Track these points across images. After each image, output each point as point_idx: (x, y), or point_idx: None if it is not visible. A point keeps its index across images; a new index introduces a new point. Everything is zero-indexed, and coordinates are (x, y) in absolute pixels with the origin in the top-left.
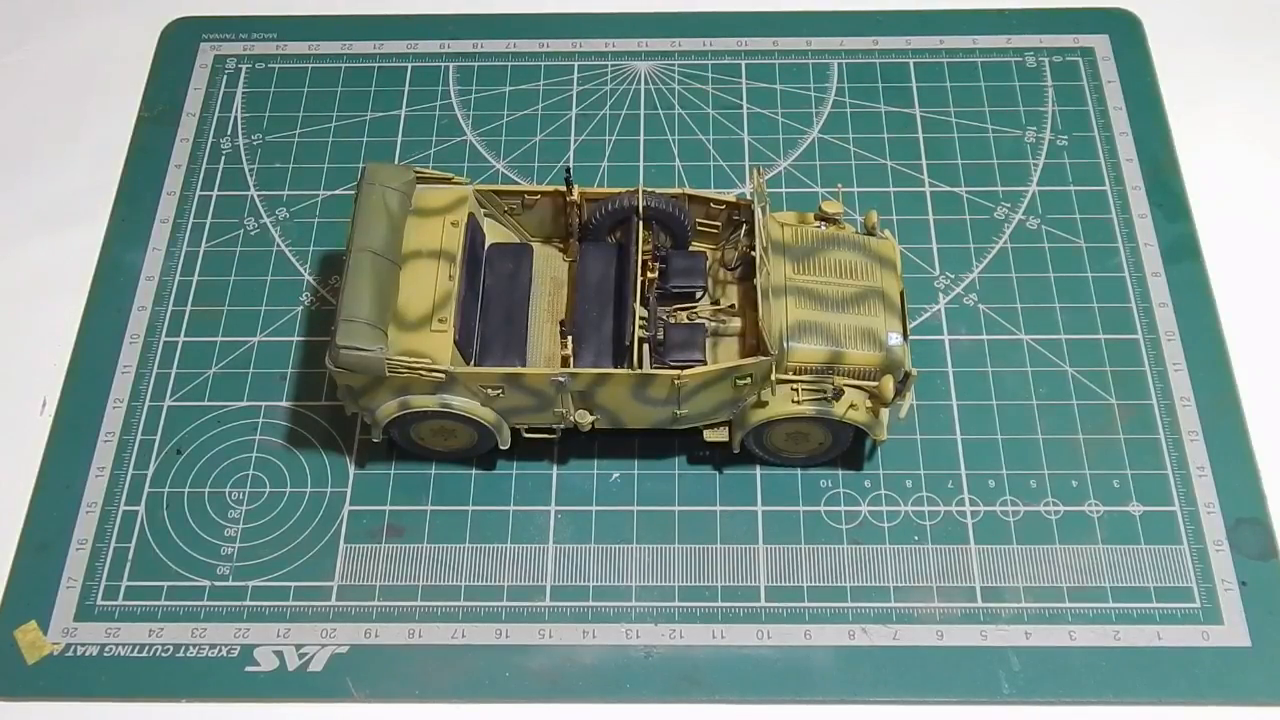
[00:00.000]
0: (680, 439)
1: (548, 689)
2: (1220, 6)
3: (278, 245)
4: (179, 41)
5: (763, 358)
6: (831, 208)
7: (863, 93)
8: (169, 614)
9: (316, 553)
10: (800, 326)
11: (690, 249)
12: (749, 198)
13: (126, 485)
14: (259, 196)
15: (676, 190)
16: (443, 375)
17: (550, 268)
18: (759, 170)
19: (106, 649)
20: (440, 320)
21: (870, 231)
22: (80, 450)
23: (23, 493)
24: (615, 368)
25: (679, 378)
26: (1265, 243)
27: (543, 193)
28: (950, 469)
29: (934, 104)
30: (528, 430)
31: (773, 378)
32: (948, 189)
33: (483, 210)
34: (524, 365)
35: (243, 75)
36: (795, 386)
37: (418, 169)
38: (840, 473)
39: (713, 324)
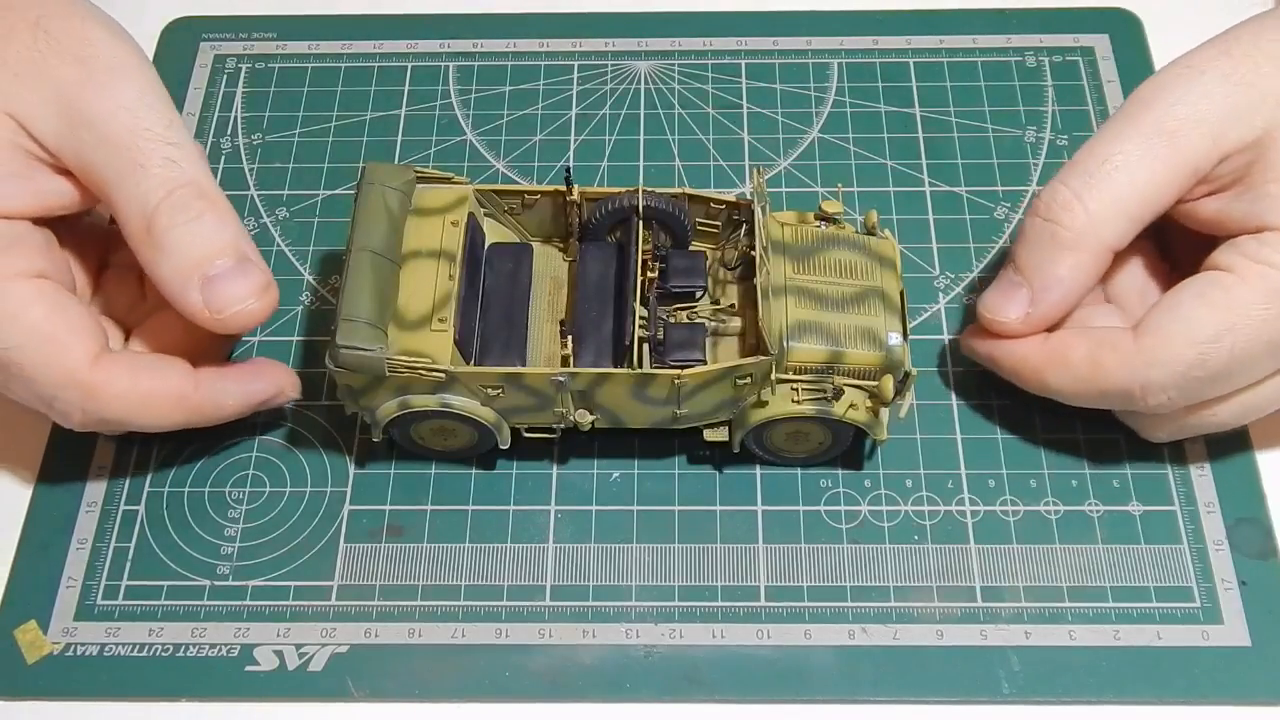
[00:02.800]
0: (680, 439)
1: (548, 688)
2: (1220, 6)
3: (278, 245)
4: (179, 41)
5: (763, 357)
6: (831, 207)
7: (863, 92)
8: (169, 613)
9: (316, 552)
10: (800, 326)
11: (690, 249)
12: (749, 197)
13: (126, 485)
14: (259, 196)
15: (676, 190)
16: (443, 375)
17: (550, 267)
18: (759, 170)
19: (106, 649)
20: (440, 320)
21: (870, 231)
22: (80, 450)
23: (23, 493)
24: (615, 367)
25: (679, 377)
26: None
27: (543, 192)
28: (950, 469)
29: (934, 104)
30: (528, 430)
31: (773, 377)
32: (948, 189)
33: (483, 210)
34: (524, 365)
35: (243, 75)
36: (795, 386)
37: (418, 169)
38: (840, 473)
39: (713, 324)
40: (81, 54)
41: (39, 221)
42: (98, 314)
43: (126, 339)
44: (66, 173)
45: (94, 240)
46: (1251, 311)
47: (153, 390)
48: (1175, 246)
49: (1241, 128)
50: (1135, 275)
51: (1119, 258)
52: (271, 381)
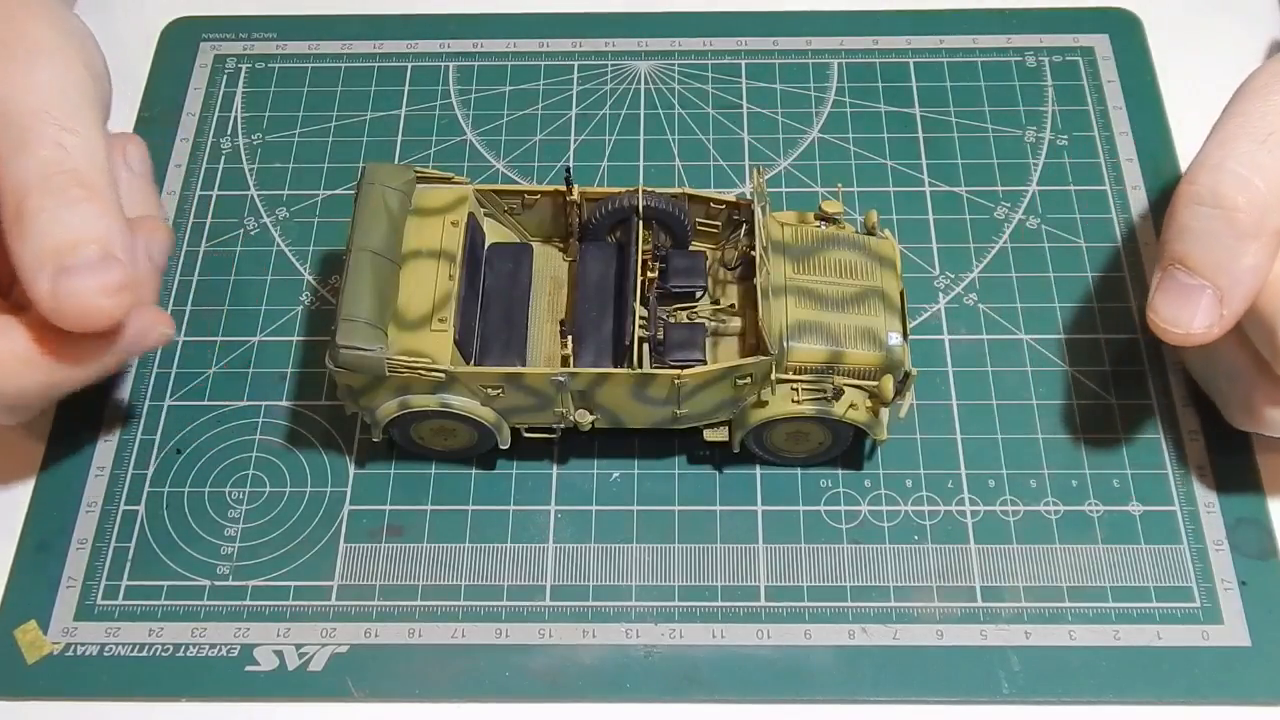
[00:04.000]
0: (680, 439)
1: (548, 688)
2: (1220, 6)
3: (278, 245)
4: (179, 41)
5: (763, 357)
6: (831, 207)
7: (863, 93)
8: (169, 613)
9: (316, 552)
10: (800, 326)
11: (690, 249)
12: (749, 197)
13: (126, 485)
14: (259, 196)
15: (676, 190)
16: (443, 375)
17: (550, 267)
18: (759, 170)
19: (106, 649)
20: (440, 320)
21: (870, 231)
22: (80, 450)
23: (23, 493)
24: (615, 367)
25: (679, 377)
26: None
27: (543, 192)
28: (950, 469)
29: (934, 104)
30: (528, 430)
31: (773, 377)
32: (948, 189)
33: (483, 210)
34: (524, 365)
35: (242, 75)
36: (795, 386)
37: (418, 169)
38: (840, 473)
39: (713, 324)
40: (9, 38)
41: None
42: None
43: None
44: None
45: None
46: None
47: None
48: None
49: None
50: None
51: None
52: (133, 321)
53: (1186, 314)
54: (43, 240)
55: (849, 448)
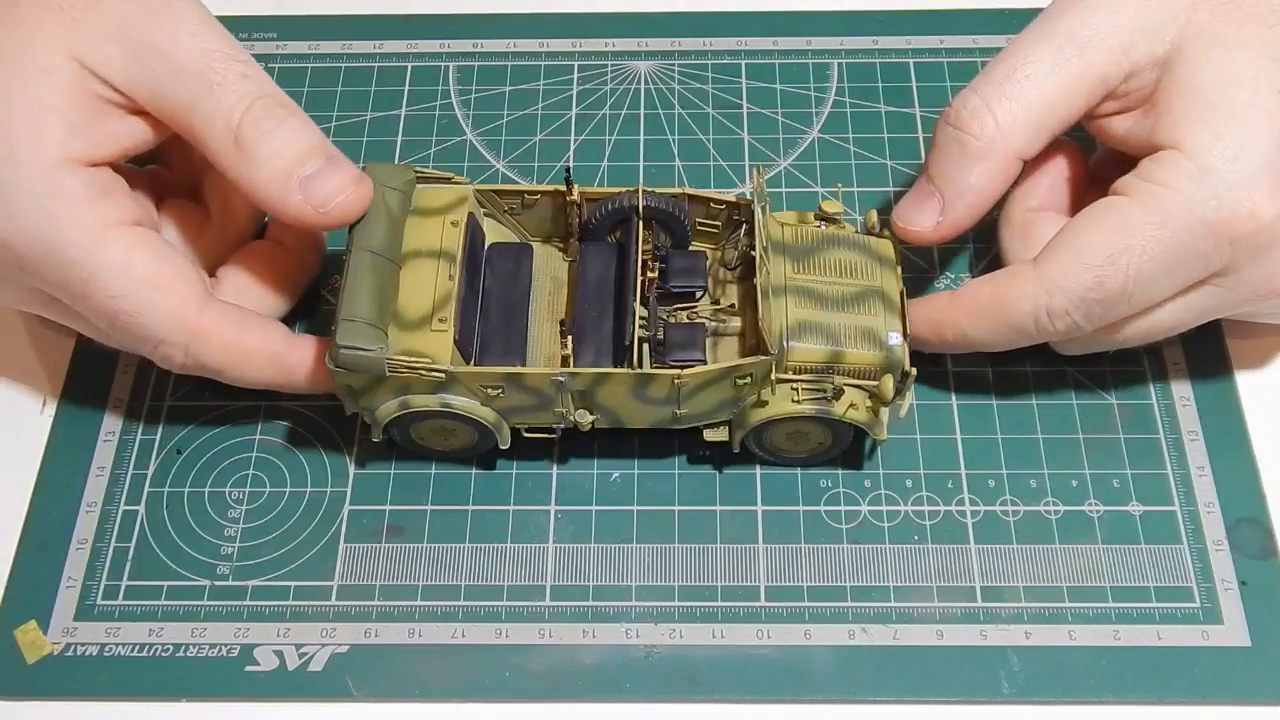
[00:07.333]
0: (680, 439)
1: (548, 689)
2: None
3: None
4: None
5: (763, 357)
6: (831, 207)
7: (863, 93)
8: (169, 613)
9: (316, 552)
10: (800, 326)
11: (690, 249)
12: (749, 197)
13: (126, 485)
14: None
15: (676, 190)
16: (443, 375)
17: (550, 267)
18: (759, 170)
19: (106, 649)
20: (440, 320)
21: (870, 231)
22: (80, 450)
23: (23, 493)
24: (615, 367)
25: (679, 377)
26: None
27: (543, 192)
28: (950, 469)
29: (934, 104)
30: (528, 430)
31: (773, 377)
32: None
33: (483, 210)
34: (524, 365)
35: None
36: (795, 386)
37: (418, 168)
38: (840, 472)
39: (713, 324)
40: None
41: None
42: (192, 257)
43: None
44: (137, 112)
45: (145, 182)
46: (1145, 232)
47: (253, 346)
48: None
49: (1151, 41)
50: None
51: (1084, 181)
52: None
53: (915, 214)
54: (275, 161)
55: (849, 448)
